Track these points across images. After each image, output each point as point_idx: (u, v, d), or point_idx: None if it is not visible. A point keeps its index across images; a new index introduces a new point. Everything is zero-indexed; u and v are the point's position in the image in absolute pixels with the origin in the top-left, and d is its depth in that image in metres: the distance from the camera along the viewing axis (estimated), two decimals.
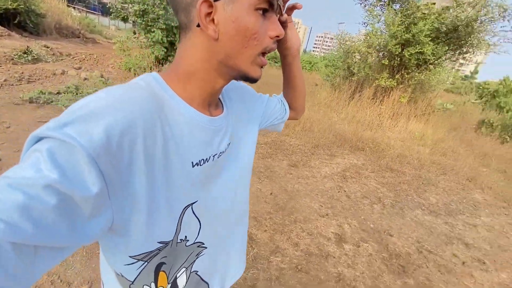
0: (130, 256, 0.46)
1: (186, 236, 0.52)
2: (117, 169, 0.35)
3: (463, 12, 6.01)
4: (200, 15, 0.39)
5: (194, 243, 0.55)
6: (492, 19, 5.71)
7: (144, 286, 0.51)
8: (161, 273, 0.52)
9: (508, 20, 5.43)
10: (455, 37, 6.20)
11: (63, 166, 0.30)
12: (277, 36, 0.45)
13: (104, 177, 0.34)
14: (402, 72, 6.71)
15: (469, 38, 5.91)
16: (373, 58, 7.50)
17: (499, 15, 5.63)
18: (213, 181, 0.54)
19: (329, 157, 4.05)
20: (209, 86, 0.48)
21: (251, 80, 0.48)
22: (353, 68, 7.58)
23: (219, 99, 0.57)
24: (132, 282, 0.49)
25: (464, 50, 6.64)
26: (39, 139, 0.32)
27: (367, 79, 7.37)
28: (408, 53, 6.13)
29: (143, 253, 0.46)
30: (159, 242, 0.47)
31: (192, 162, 0.48)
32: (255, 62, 0.45)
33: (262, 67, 0.47)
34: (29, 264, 0.29)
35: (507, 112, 7.71)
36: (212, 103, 0.53)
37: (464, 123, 8.00)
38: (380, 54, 7.20)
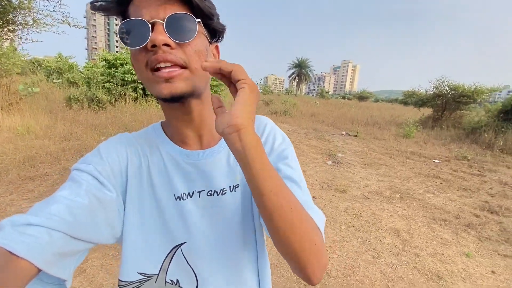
0: (119, 279, 0.48)
1: (178, 280, 0.50)
2: (116, 182, 0.47)
3: None
4: None
5: None
6: None
7: None
8: None
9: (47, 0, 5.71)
10: None
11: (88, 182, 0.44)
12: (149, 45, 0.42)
13: (114, 187, 0.46)
14: None
15: (15, 15, 5.49)
16: None
17: None
18: (206, 221, 0.51)
19: None
20: (170, 119, 0.52)
21: (162, 99, 0.45)
22: None
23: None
24: None
25: (13, 28, 6.10)
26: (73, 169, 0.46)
27: None
28: None
29: (125, 282, 0.48)
30: (140, 273, 0.48)
31: (174, 195, 0.50)
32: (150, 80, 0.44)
33: (167, 80, 0.42)
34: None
35: (83, 85, 8.95)
36: (199, 135, 0.52)
37: (53, 102, 8.12)
38: None
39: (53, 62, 11.78)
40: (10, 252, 0.32)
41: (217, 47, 0.53)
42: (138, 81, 8.66)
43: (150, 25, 0.40)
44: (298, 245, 0.38)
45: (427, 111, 13.01)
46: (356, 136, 9.09)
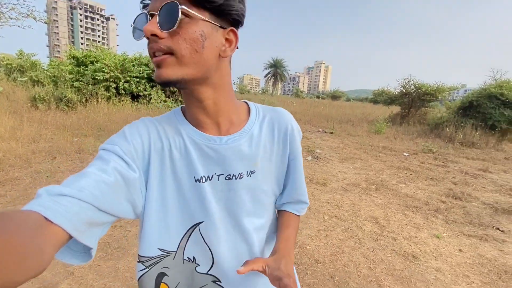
0: (139, 255, 0.52)
1: (195, 258, 0.55)
2: (140, 163, 0.50)
3: None
4: None
5: (207, 274, 0.56)
6: None
7: None
8: (162, 284, 0.54)
9: None
10: None
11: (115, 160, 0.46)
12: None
13: (137, 168, 0.48)
14: None
15: None
16: None
17: None
18: (223, 204, 0.55)
19: None
20: (187, 105, 0.54)
21: (157, 83, 0.48)
22: None
23: (248, 119, 0.59)
24: (137, 281, 0.54)
25: None
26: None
27: None
28: None
29: (146, 257, 0.52)
30: (160, 249, 0.52)
31: (194, 177, 0.53)
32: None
33: (158, 66, 0.45)
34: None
35: (49, 84, 8.36)
36: (217, 122, 0.54)
37: (16, 103, 7.50)
38: None
39: (14, 60, 10.84)
40: (46, 218, 0.33)
41: (232, 31, 0.49)
42: (111, 80, 8.28)
43: (149, 17, 0.43)
44: None
45: (396, 109, 13.87)
46: (332, 133, 9.46)
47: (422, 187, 4.40)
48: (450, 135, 8.87)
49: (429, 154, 7.02)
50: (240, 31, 0.50)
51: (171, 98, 9.22)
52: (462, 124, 9.07)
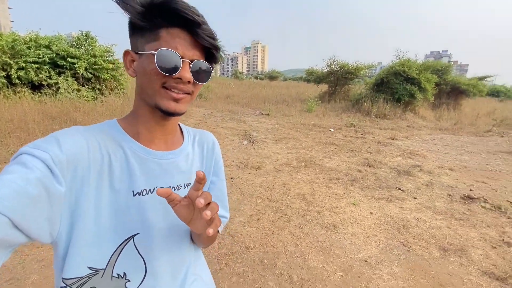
0: (62, 278, 0.49)
1: (125, 274, 0.53)
2: (70, 176, 0.45)
3: None
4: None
5: None
6: None
7: None
8: None
9: None
10: None
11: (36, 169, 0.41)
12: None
13: (65, 182, 0.44)
14: None
15: None
16: None
17: None
18: (161, 215, 0.57)
19: None
20: (148, 123, 0.57)
21: (164, 111, 0.53)
22: None
23: (183, 138, 0.67)
24: None
25: None
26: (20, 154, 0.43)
27: None
28: None
29: (73, 278, 0.48)
30: (89, 268, 0.49)
31: (133, 191, 0.53)
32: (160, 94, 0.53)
33: (175, 101, 0.53)
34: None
35: None
36: (165, 139, 0.61)
37: None
38: None
39: None
40: None
41: None
42: None
43: (182, 61, 0.50)
44: (208, 244, 0.70)
45: (324, 87, 15.02)
46: (268, 114, 9.72)
47: (344, 160, 4.91)
48: (367, 109, 10.09)
49: (351, 127, 7.86)
50: None
51: (86, 86, 7.96)
52: (376, 99, 10.38)
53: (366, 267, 2.16)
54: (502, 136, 8.08)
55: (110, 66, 8.11)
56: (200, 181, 0.45)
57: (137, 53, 0.52)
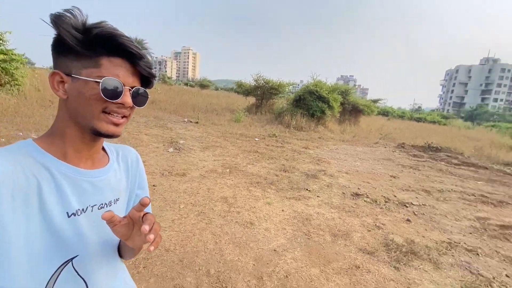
0: None
1: None
2: None
3: None
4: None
5: None
6: None
7: None
8: None
9: None
10: None
11: None
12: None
13: None
14: None
15: None
16: None
17: None
18: (96, 233, 0.58)
19: None
20: (76, 143, 0.57)
21: (100, 133, 0.56)
22: None
23: (107, 155, 0.67)
24: None
25: None
26: None
27: None
28: None
29: None
30: None
31: (68, 213, 0.53)
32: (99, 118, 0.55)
33: (116, 125, 0.56)
34: None
35: None
36: (92, 158, 0.61)
37: None
38: None
39: None
40: None
41: None
42: None
43: (123, 89, 0.53)
44: (135, 256, 0.73)
45: (252, 100, 15.97)
46: (197, 122, 9.73)
47: (265, 166, 5.43)
48: (288, 121, 11.29)
49: (273, 138, 8.67)
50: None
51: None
52: (295, 113, 11.73)
53: (274, 255, 2.54)
54: (385, 147, 10.31)
55: (1, 57, 6.73)
56: (146, 206, 0.49)
57: (70, 76, 0.52)
